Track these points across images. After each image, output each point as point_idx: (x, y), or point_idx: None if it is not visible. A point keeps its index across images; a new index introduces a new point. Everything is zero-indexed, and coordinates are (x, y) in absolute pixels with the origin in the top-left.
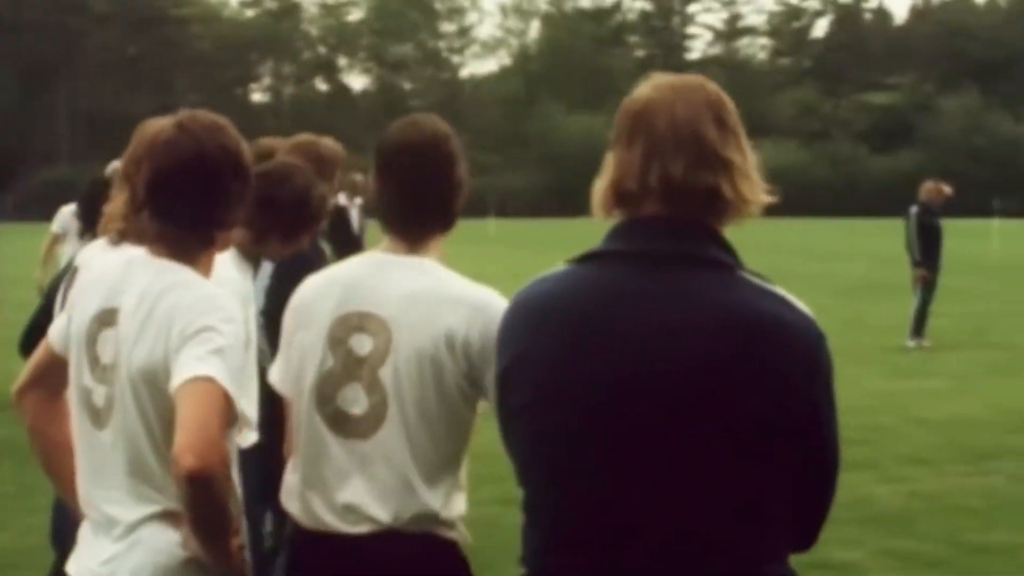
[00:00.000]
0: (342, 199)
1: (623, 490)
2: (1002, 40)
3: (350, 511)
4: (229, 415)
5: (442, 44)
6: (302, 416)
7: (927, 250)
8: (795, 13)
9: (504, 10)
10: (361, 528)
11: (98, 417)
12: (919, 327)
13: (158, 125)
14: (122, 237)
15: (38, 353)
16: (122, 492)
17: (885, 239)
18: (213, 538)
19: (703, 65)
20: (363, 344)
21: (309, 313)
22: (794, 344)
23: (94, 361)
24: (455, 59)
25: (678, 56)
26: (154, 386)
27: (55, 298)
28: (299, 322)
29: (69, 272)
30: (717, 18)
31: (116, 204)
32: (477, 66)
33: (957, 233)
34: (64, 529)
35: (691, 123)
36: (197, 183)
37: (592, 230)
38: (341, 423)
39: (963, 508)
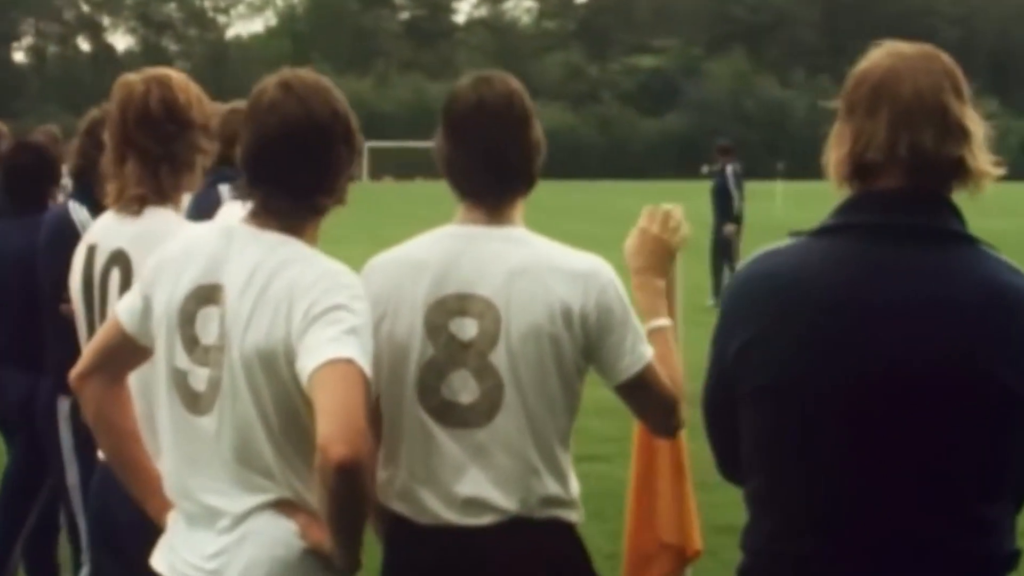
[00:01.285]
0: None
1: (875, 471)
2: (769, 4)
3: (472, 504)
4: (369, 399)
5: (207, 4)
6: (403, 410)
7: (731, 210)
8: None
9: None
10: (485, 519)
11: (197, 402)
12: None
13: (136, 81)
14: (143, 203)
15: (103, 335)
16: (227, 482)
17: (660, 200)
18: (350, 530)
19: (469, 28)
20: (466, 328)
21: (394, 301)
22: None
23: (191, 341)
24: (221, 19)
25: (444, 18)
26: (271, 368)
27: None
28: (383, 311)
29: (86, 252)
30: None
31: (127, 170)
32: (243, 26)
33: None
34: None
35: (935, 92)
36: (307, 149)
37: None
38: (449, 414)
39: None
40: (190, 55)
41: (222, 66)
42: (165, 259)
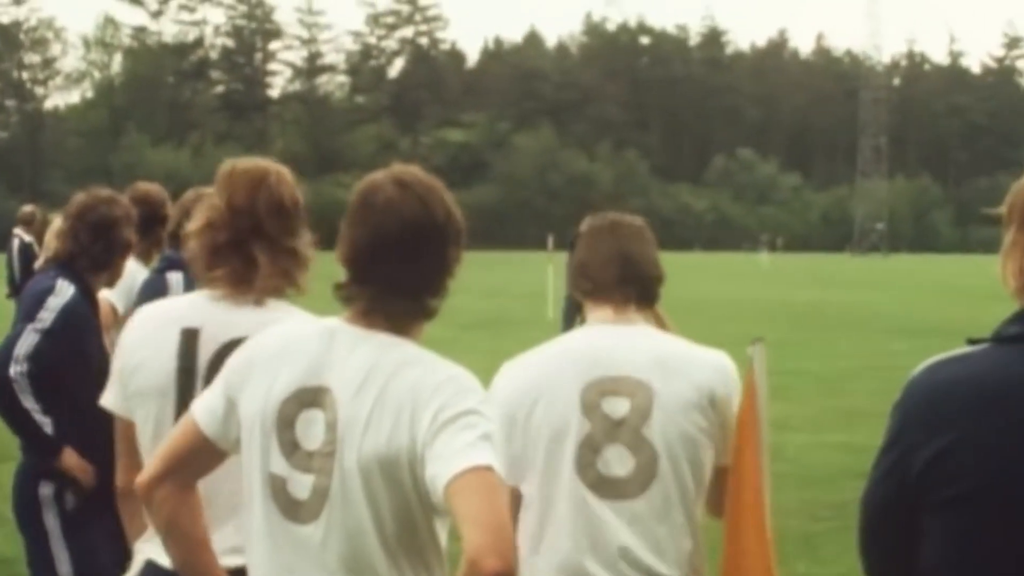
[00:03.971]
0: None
1: None
2: (574, 82)
3: (639, 571)
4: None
5: (26, 75)
6: (561, 486)
7: None
8: (372, 52)
9: (87, 43)
10: None
11: (297, 510)
12: None
13: (262, 169)
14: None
15: (177, 437)
16: None
17: (482, 273)
18: None
19: (283, 102)
20: (618, 406)
21: (549, 384)
22: None
23: (291, 446)
24: (39, 90)
25: (259, 92)
26: (392, 475)
27: None
28: (537, 396)
29: (183, 337)
30: (297, 56)
31: (258, 259)
32: (61, 98)
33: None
34: None
35: None
36: (424, 249)
37: None
38: (606, 487)
39: None
40: (7, 125)
41: (39, 136)
42: (254, 358)
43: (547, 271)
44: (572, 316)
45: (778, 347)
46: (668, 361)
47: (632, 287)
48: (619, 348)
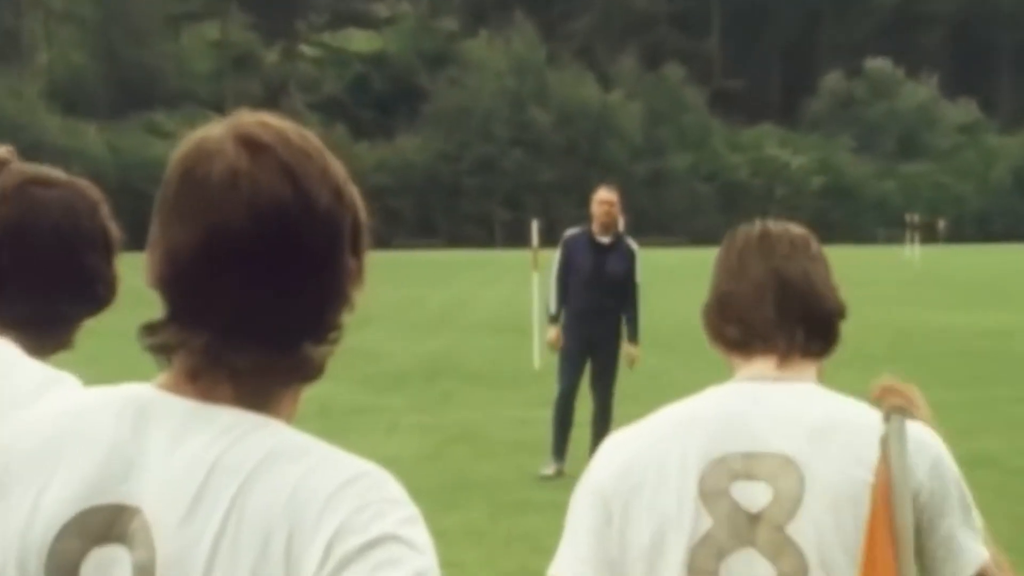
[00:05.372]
0: None
1: None
2: None
3: None
4: None
5: None
6: None
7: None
8: None
9: None
10: None
11: None
12: (561, 442)
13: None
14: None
15: None
16: None
17: (413, 290)
18: None
19: None
20: (756, 495)
21: (657, 462)
22: None
23: None
24: None
25: None
26: None
27: None
28: (640, 479)
29: None
30: None
31: None
32: None
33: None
34: None
35: None
36: (296, 258)
37: None
38: None
39: None
40: None
41: None
42: (7, 457)
43: (531, 282)
44: (578, 366)
45: (933, 414)
46: (833, 432)
47: (799, 326)
48: (760, 412)
